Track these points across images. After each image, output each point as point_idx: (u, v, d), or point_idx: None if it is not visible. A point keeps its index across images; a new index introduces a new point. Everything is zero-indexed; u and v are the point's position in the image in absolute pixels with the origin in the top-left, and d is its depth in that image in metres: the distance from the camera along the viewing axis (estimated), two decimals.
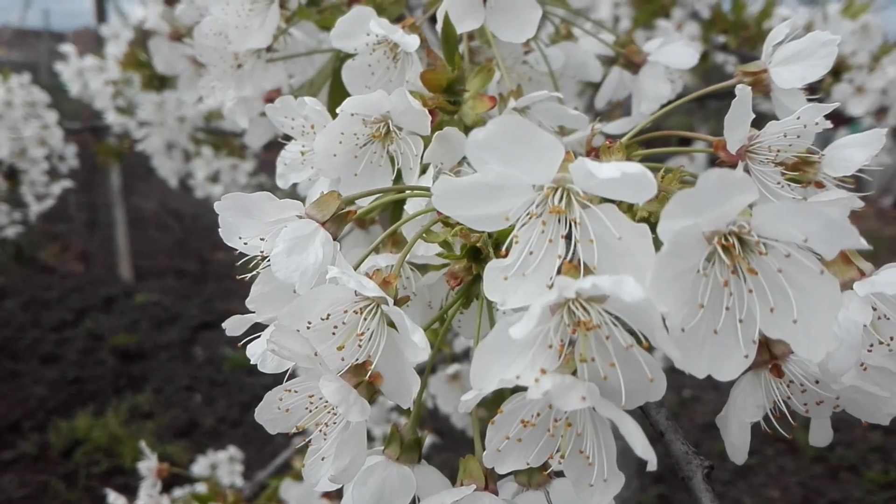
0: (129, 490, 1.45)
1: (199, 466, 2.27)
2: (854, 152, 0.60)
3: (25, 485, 3.64)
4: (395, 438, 0.59)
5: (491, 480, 0.52)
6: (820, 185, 0.63)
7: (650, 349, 0.40)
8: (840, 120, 2.15)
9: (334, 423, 0.49)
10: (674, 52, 0.79)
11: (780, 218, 0.35)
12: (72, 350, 4.88)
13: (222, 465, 2.30)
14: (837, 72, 1.88)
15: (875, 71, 1.88)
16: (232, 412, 4.35)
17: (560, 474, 0.52)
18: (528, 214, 0.42)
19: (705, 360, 0.40)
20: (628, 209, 0.49)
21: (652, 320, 0.36)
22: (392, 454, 0.58)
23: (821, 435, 0.53)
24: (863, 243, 0.34)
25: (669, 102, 0.75)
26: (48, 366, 4.67)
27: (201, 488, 1.47)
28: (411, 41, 0.66)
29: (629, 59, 0.82)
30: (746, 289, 0.38)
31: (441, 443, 2.45)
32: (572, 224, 0.41)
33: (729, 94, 0.64)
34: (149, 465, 1.35)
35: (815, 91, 1.90)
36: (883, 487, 3.90)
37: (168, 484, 1.42)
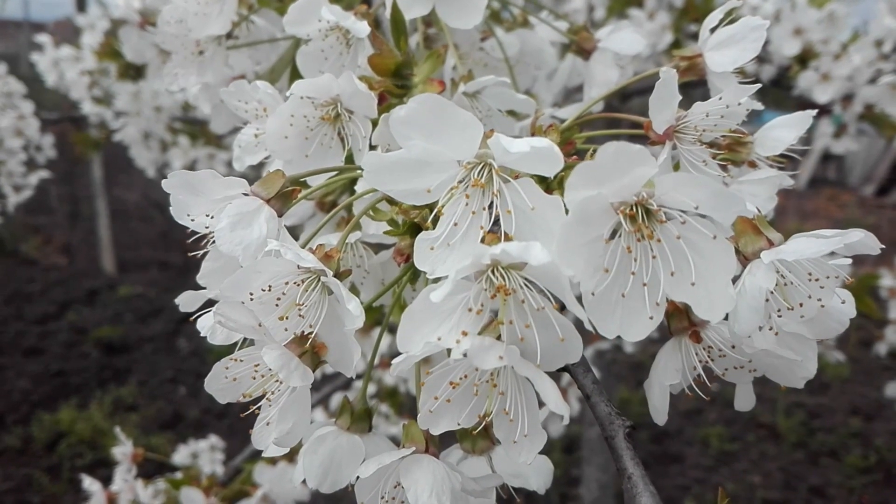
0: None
1: (181, 455, 2.28)
2: (783, 132, 0.63)
3: (9, 478, 3.65)
4: (345, 409, 0.62)
5: (432, 444, 0.55)
6: (753, 165, 0.66)
7: (563, 311, 0.42)
8: (820, 112, 2.19)
9: (280, 391, 0.52)
10: (622, 38, 0.81)
11: (675, 188, 0.38)
12: (55, 343, 4.87)
13: (203, 454, 2.30)
14: (804, 59, 1.92)
15: (841, 58, 1.91)
16: (217, 404, 4.27)
17: None
18: (452, 189, 0.44)
19: (616, 322, 0.42)
20: (558, 186, 0.52)
21: (561, 284, 0.39)
22: (343, 424, 0.61)
23: (744, 400, 0.56)
24: (750, 210, 0.37)
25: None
26: (31, 359, 4.66)
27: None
28: (362, 27, 0.68)
29: (580, 46, 0.85)
30: (651, 255, 0.41)
31: None
32: (494, 197, 0.44)
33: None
34: (123, 450, 1.37)
35: (784, 79, 1.91)
36: (862, 472, 3.97)
37: (150, 474, 1.43)
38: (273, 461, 1.39)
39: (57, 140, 2.62)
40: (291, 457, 1.37)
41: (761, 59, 2.16)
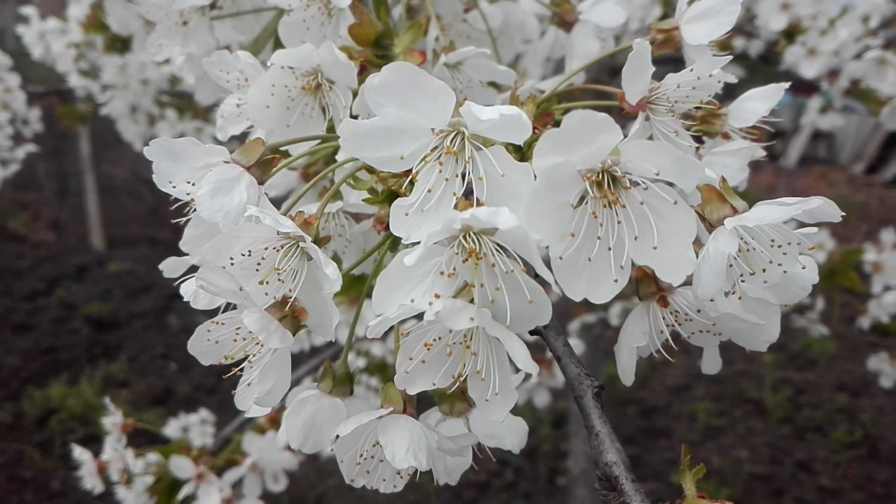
0: None
1: (171, 429, 2.30)
2: (756, 104, 0.64)
3: (1, 453, 3.67)
4: (327, 374, 0.63)
5: (409, 404, 0.57)
6: (727, 137, 0.67)
7: (535, 276, 0.44)
8: (810, 89, 2.20)
9: (261, 353, 0.53)
10: (603, 10, 0.82)
11: (639, 155, 0.40)
12: (45, 319, 4.86)
13: (194, 427, 2.32)
14: (791, 34, 1.92)
15: (828, 33, 1.92)
16: (208, 379, 4.38)
17: None
18: (426, 156, 0.46)
19: (583, 285, 0.44)
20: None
21: (529, 248, 0.41)
22: (325, 388, 0.62)
23: (710, 364, 0.58)
24: (710, 177, 0.38)
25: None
26: (21, 335, 4.66)
27: None
28: None
29: (562, 18, 0.85)
30: (616, 220, 0.43)
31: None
32: (466, 164, 0.45)
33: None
34: (113, 420, 1.39)
35: (771, 54, 1.91)
36: (848, 447, 4.05)
37: (141, 447, 1.45)
38: (262, 431, 1.41)
39: (44, 115, 2.61)
40: (280, 427, 1.39)
41: (749, 34, 2.16)
